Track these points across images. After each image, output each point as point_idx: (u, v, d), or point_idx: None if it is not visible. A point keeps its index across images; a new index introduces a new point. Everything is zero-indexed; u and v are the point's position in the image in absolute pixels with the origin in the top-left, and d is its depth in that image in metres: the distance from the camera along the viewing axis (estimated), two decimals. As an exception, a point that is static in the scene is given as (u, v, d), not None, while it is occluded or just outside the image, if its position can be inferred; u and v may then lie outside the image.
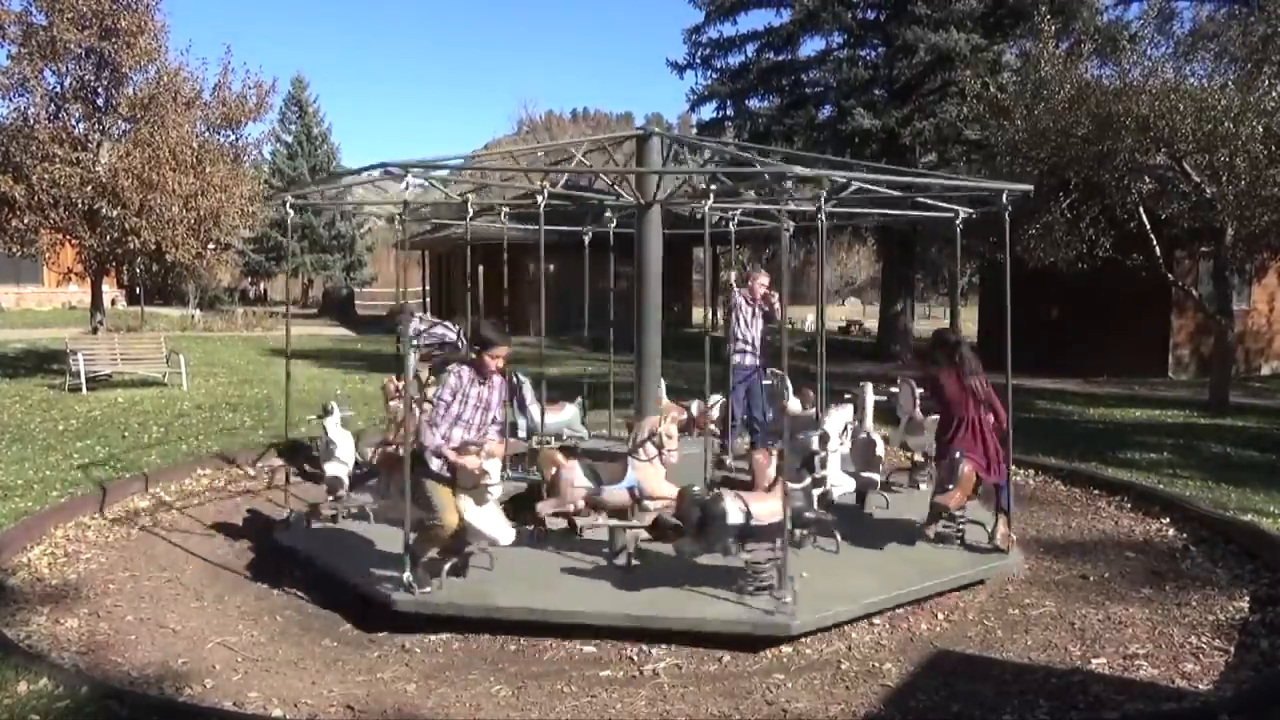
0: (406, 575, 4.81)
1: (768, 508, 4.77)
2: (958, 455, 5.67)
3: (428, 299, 35.69)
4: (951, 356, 5.95)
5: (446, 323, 8.23)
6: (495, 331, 4.90)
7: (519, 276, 25.57)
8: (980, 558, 5.63)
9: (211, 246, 18.08)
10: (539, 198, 6.52)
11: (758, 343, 8.23)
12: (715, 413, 8.74)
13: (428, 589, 4.82)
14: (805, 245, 28.40)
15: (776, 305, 8.15)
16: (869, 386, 7.05)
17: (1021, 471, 8.77)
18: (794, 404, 7.25)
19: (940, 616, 5.13)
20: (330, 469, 6.49)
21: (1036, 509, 7.57)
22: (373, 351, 20.89)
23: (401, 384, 7.52)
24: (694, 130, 33.14)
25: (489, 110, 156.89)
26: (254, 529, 6.81)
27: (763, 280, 8.37)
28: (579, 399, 8.42)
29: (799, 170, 4.74)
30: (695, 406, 8.73)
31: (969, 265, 27.86)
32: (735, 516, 4.68)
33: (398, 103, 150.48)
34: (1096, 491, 8.00)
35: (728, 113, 25.17)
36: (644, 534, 5.23)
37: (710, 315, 35.95)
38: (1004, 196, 5.83)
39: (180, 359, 14.85)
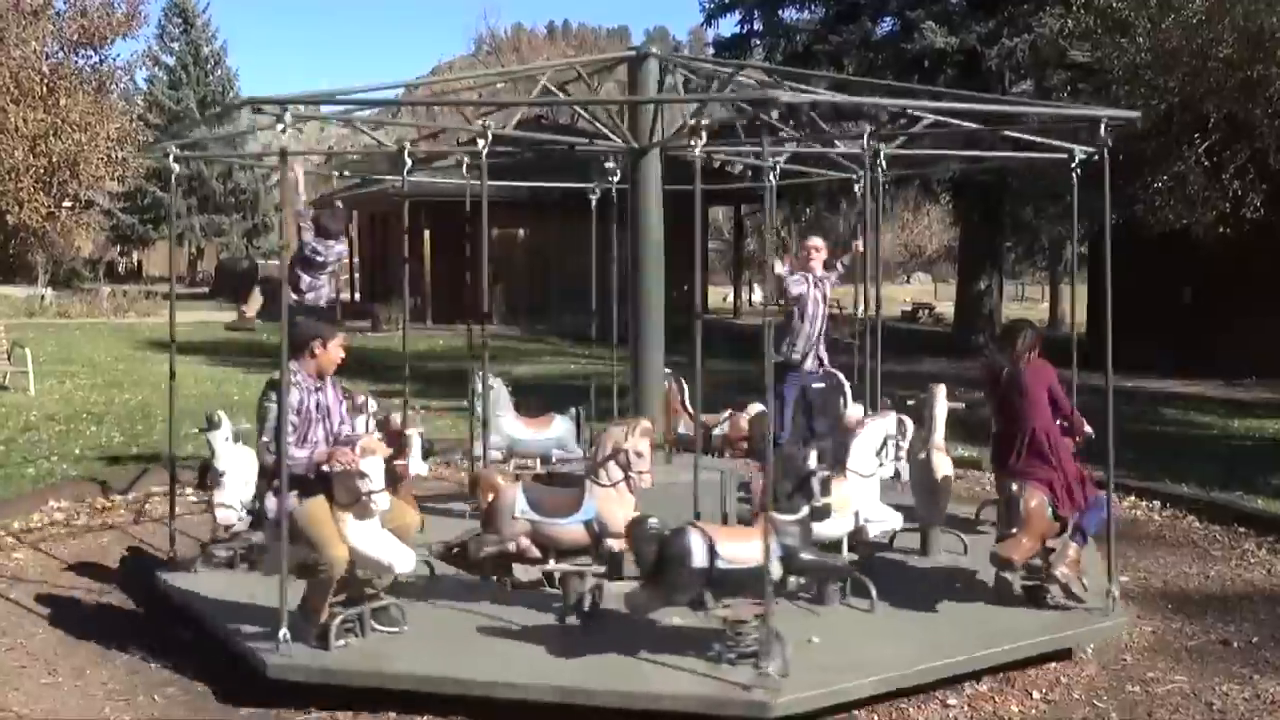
0: (283, 632, 4.95)
1: (741, 548, 4.81)
2: (1016, 488, 5.68)
3: (356, 274, 35.69)
4: (1013, 346, 6.12)
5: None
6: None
7: (476, 243, 25.57)
8: (1068, 618, 5.59)
9: (67, 204, 18.09)
10: (480, 142, 6.69)
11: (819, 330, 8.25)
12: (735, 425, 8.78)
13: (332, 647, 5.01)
14: (857, 205, 28.37)
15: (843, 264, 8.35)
16: (940, 390, 7.05)
17: (1143, 504, 8.79)
18: (854, 411, 7.26)
19: (1036, 696, 5.15)
20: (219, 498, 6.50)
21: (1163, 552, 7.58)
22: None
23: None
24: (709, 50, 33.13)
25: (438, 25, 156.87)
26: (125, 580, 6.81)
27: (816, 244, 8.38)
28: (573, 409, 8.46)
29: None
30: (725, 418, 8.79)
31: (1077, 230, 27.97)
32: (699, 558, 4.72)
33: (316, 15, 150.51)
34: (1242, 529, 8.01)
35: (755, 27, 25.17)
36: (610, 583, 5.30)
37: (736, 296, 35.86)
38: (1102, 127, 5.62)
39: (25, 354, 14.84)
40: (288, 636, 4.94)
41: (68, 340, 21.34)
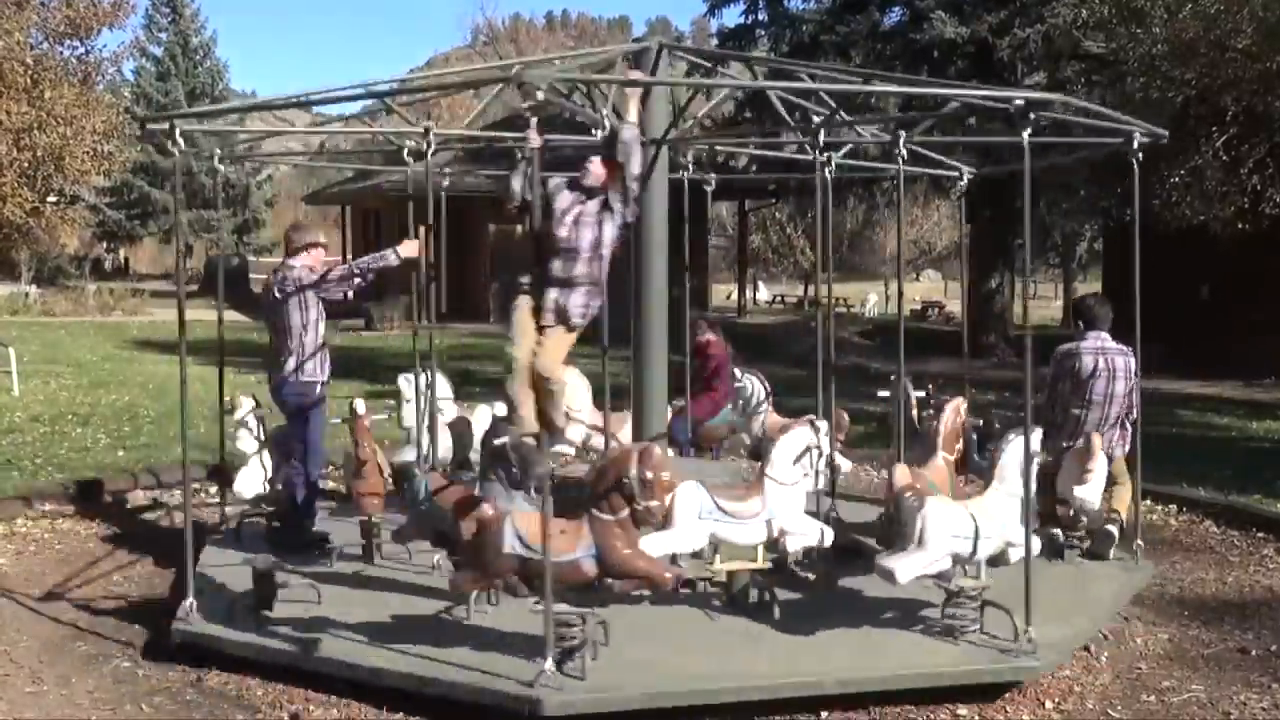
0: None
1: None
2: None
3: (349, 271, 35.57)
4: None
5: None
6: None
7: (471, 240, 25.56)
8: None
9: (52, 199, 18.08)
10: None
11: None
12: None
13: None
14: (868, 199, 28.38)
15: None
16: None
17: (1159, 508, 8.78)
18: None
19: (1049, 705, 5.18)
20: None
21: (1179, 558, 7.59)
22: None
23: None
24: (712, 42, 33.14)
25: (435, 15, 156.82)
26: (112, 584, 6.83)
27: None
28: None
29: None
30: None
31: (1089, 225, 27.99)
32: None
33: (311, 5, 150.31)
34: (1261, 534, 8.02)
35: (760, 18, 25.16)
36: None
37: (740, 294, 35.92)
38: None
39: (9, 353, 14.85)
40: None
41: (52, 339, 21.33)
